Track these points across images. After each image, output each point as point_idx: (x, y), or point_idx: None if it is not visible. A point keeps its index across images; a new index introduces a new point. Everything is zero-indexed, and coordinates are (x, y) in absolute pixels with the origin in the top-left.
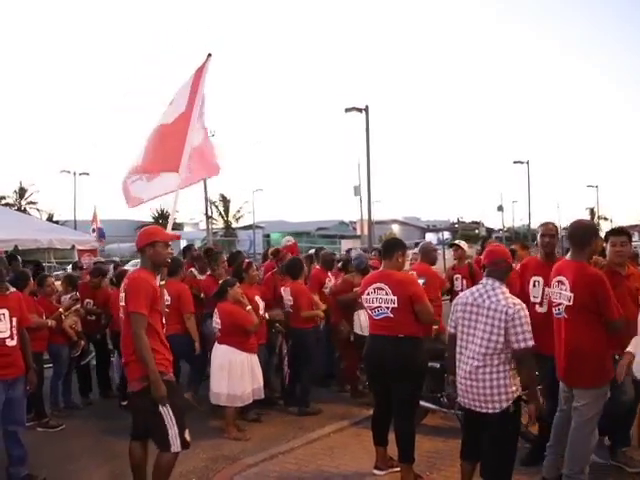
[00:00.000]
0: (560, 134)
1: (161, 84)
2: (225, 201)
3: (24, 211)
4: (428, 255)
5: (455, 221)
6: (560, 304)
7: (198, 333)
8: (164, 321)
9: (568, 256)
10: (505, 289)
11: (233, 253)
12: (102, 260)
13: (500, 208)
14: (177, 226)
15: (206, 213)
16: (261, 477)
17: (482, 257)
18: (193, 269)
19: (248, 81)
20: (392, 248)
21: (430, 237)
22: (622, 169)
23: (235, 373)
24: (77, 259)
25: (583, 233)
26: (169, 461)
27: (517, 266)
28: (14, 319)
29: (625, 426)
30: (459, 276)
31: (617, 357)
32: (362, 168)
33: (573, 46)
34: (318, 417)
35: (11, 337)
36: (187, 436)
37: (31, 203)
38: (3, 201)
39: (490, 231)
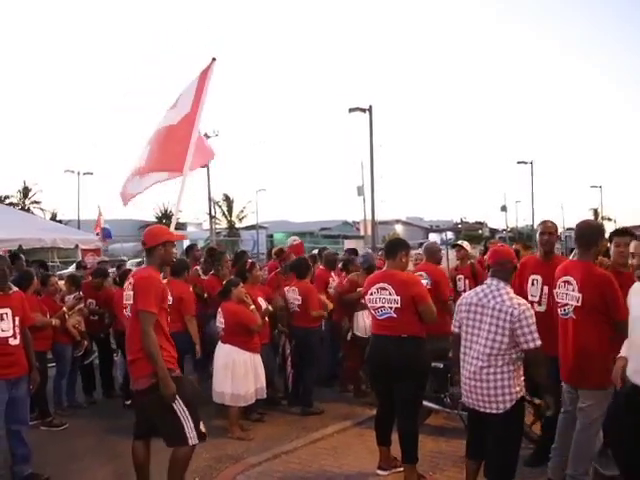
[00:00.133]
0: (564, 134)
1: (161, 84)
2: (228, 201)
3: (28, 210)
4: (434, 255)
5: (458, 221)
6: (567, 304)
7: (201, 333)
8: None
9: (573, 256)
10: (510, 289)
11: (238, 253)
12: (106, 259)
13: (504, 208)
14: (180, 226)
15: (209, 213)
16: (264, 477)
17: (487, 257)
18: (198, 267)
19: (251, 81)
20: (395, 248)
21: (433, 237)
22: (626, 169)
23: (239, 373)
24: (81, 259)
25: (590, 233)
26: (186, 454)
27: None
28: (17, 318)
29: None
30: (461, 276)
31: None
32: (365, 168)
33: (574, 46)
34: (321, 417)
35: (14, 336)
36: (202, 428)
37: (35, 202)
38: (7, 200)
39: (494, 231)
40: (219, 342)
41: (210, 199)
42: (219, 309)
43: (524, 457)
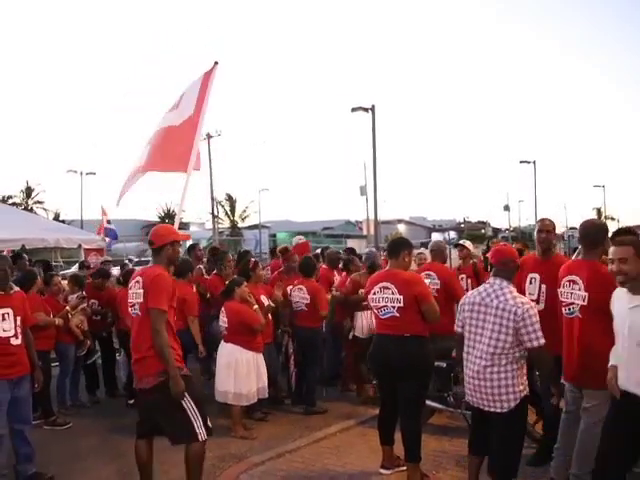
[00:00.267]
0: (567, 134)
1: (161, 84)
2: (231, 201)
3: (31, 210)
4: (441, 254)
5: (461, 221)
6: (572, 304)
7: (203, 333)
8: None
9: (577, 255)
10: (513, 288)
11: (241, 252)
12: (109, 259)
13: (506, 208)
14: (183, 225)
15: (212, 212)
16: (268, 476)
17: (489, 256)
18: (201, 266)
19: (254, 80)
20: (398, 247)
21: (436, 237)
22: (628, 169)
23: (241, 372)
24: (84, 258)
25: (595, 232)
26: (200, 450)
27: None
28: (18, 318)
29: None
30: (464, 276)
31: None
32: (368, 168)
33: (575, 46)
34: (324, 416)
35: (15, 336)
36: (209, 423)
37: (38, 202)
38: (10, 200)
39: (496, 231)
40: (222, 341)
41: (213, 199)
42: (222, 308)
43: (527, 457)
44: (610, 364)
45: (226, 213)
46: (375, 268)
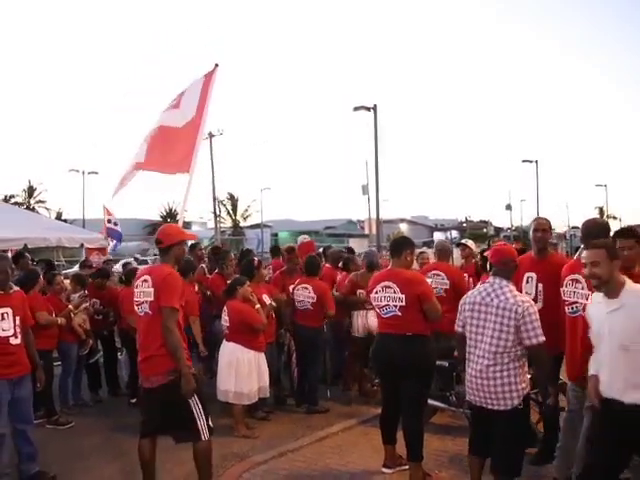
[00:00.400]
0: (569, 133)
1: (161, 84)
2: (233, 200)
3: (33, 210)
4: (446, 254)
5: (463, 220)
6: (575, 302)
7: (205, 332)
8: None
9: (578, 254)
10: (513, 287)
11: (243, 251)
12: (111, 258)
13: (508, 207)
14: (185, 225)
15: (214, 212)
16: (270, 475)
17: (488, 256)
18: (204, 265)
19: (256, 80)
20: (401, 247)
21: (438, 236)
22: (631, 168)
23: (242, 371)
24: (84, 257)
25: (598, 231)
26: (206, 447)
27: None
28: (17, 318)
29: None
30: (466, 275)
31: None
32: (370, 167)
33: (577, 45)
34: (326, 416)
35: (15, 336)
36: (210, 422)
37: (40, 202)
38: (12, 200)
39: (498, 230)
40: (224, 340)
41: (215, 198)
42: (224, 307)
43: (529, 456)
44: (590, 373)
45: (228, 212)
46: (373, 267)
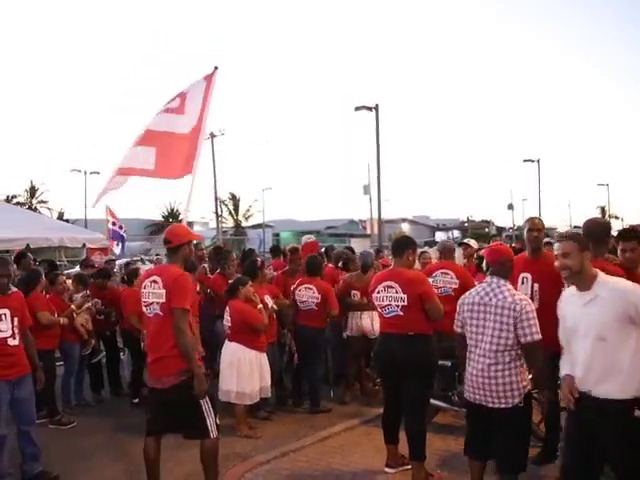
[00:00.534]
0: (570, 132)
1: (161, 84)
2: (235, 200)
3: (35, 210)
4: (450, 252)
5: (465, 220)
6: None
7: (207, 333)
8: None
9: None
10: (510, 286)
11: (246, 251)
12: (113, 258)
13: (510, 206)
14: (187, 225)
15: (216, 212)
16: (272, 475)
17: (485, 256)
18: (205, 265)
19: (257, 79)
20: (402, 246)
21: (440, 236)
22: (633, 167)
23: (244, 371)
24: (85, 257)
25: (600, 231)
26: (214, 445)
27: None
28: (15, 319)
29: None
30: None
31: None
32: (372, 167)
33: (580, 45)
34: (329, 415)
35: (13, 337)
36: (217, 420)
37: (42, 202)
38: (14, 200)
39: (500, 230)
40: (226, 340)
41: (217, 198)
42: (226, 307)
43: (532, 456)
44: (564, 373)
45: (230, 212)
46: (367, 268)
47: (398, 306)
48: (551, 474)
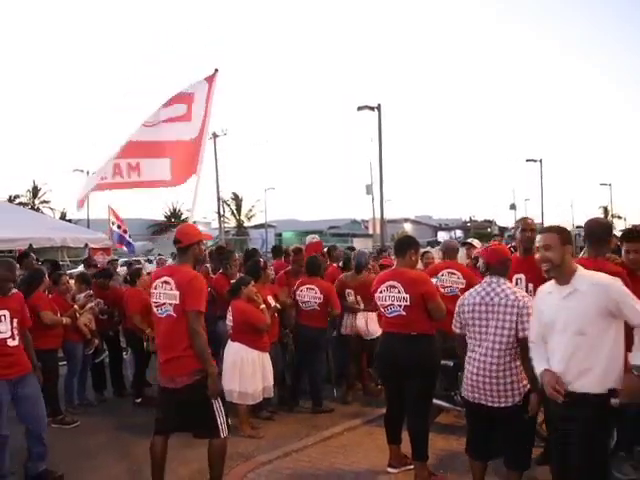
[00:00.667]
0: (573, 132)
1: (161, 84)
2: (237, 200)
3: (37, 210)
4: (454, 252)
5: (467, 219)
6: None
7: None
8: None
9: (583, 254)
10: (510, 284)
11: (249, 251)
12: (116, 258)
13: (513, 206)
14: None
15: (218, 212)
16: (275, 474)
17: (484, 257)
18: (207, 265)
19: (260, 79)
20: (405, 246)
21: (442, 236)
22: (635, 167)
23: (246, 371)
24: (88, 257)
25: (601, 231)
26: (222, 444)
27: None
28: (15, 320)
29: None
30: None
31: None
32: (374, 166)
33: (582, 45)
34: (331, 415)
35: (12, 337)
36: (229, 420)
37: (44, 202)
38: (17, 200)
39: (503, 229)
40: (229, 340)
41: (219, 198)
42: (229, 307)
43: (535, 457)
44: (542, 369)
45: (232, 212)
46: (361, 268)
47: (401, 306)
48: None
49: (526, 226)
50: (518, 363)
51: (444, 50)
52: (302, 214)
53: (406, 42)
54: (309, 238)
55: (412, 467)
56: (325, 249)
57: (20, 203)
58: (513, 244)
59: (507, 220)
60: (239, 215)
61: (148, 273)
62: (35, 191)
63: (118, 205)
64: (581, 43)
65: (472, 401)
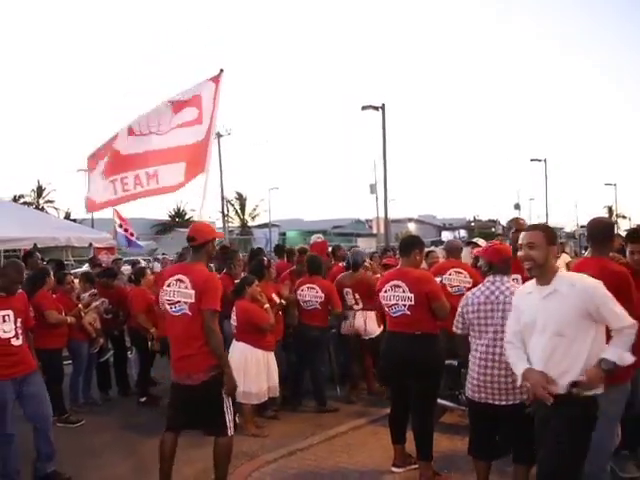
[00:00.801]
0: (578, 132)
1: (161, 84)
2: (241, 199)
3: (42, 210)
4: (457, 252)
5: (471, 219)
6: None
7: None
8: None
9: (587, 253)
10: (513, 282)
11: (254, 250)
12: (120, 258)
13: (517, 206)
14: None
15: (222, 211)
16: (279, 473)
17: (486, 256)
18: (212, 265)
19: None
20: (410, 246)
21: (446, 235)
22: None
23: (250, 370)
24: (93, 256)
25: (604, 230)
26: (228, 443)
27: None
28: (19, 320)
29: None
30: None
31: None
32: (378, 166)
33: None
34: (336, 415)
35: (16, 337)
36: (237, 419)
37: (49, 202)
38: (21, 200)
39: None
40: (233, 340)
41: (223, 197)
42: (233, 307)
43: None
44: (524, 368)
45: (236, 212)
46: (357, 266)
47: (405, 305)
48: None
49: (519, 226)
50: None
51: (448, 50)
52: (306, 214)
53: (410, 42)
54: (313, 238)
55: (417, 467)
56: (330, 248)
57: (25, 203)
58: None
59: None
60: (243, 215)
61: (154, 273)
62: (39, 191)
63: (122, 205)
64: (584, 42)
65: (477, 401)
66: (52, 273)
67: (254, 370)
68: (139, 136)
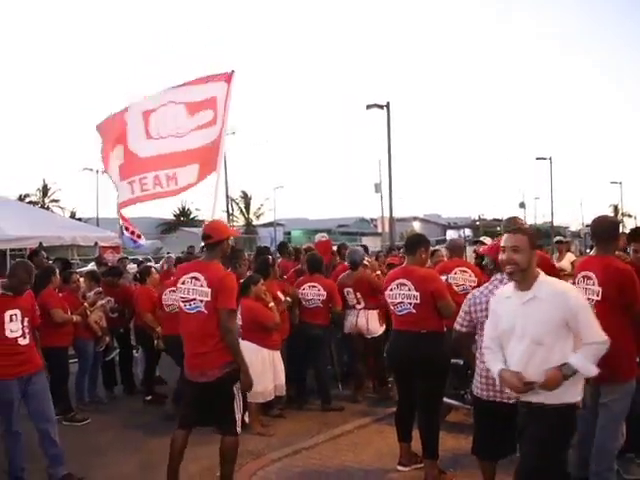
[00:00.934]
0: (583, 130)
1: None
2: (246, 198)
3: (47, 209)
4: (460, 250)
5: (476, 218)
6: (587, 299)
7: None
8: None
9: (593, 252)
10: None
11: (260, 248)
12: (126, 256)
13: (522, 205)
14: (198, 223)
15: (227, 210)
16: (285, 472)
17: (491, 254)
18: None
19: (269, 78)
20: (415, 244)
21: (451, 234)
22: None
23: (256, 369)
24: (99, 255)
25: (609, 228)
26: (235, 442)
27: None
28: (26, 319)
29: None
30: None
31: None
32: (383, 165)
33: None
34: (341, 413)
35: (23, 336)
36: (246, 417)
37: (54, 201)
38: (27, 199)
39: None
40: (239, 339)
41: (228, 196)
42: (238, 306)
43: None
44: (499, 369)
45: (241, 211)
46: (356, 265)
47: (411, 304)
48: None
49: (518, 226)
50: None
51: (453, 48)
52: (311, 212)
53: (415, 41)
54: (318, 236)
55: (422, 465)
56: (335, 247)
57: (30, 202)
58: None
59: None
60: (248, 214)
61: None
62: (45, 190)
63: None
64: (588, 41)
65: (485, 399)
66: (58, 272)
67: (259, 369)
68: (157, 139)
